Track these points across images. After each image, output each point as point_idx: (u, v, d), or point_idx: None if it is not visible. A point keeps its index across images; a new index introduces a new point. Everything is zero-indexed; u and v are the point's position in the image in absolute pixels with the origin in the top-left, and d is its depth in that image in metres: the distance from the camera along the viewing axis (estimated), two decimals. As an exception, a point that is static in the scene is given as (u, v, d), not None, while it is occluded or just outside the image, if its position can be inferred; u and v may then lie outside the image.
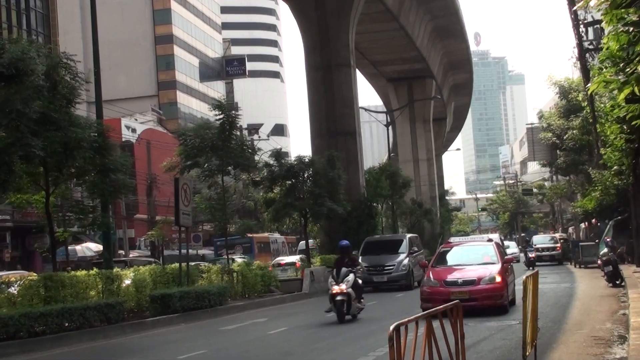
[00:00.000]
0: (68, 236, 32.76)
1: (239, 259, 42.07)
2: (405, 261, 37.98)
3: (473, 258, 24.02)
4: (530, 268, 48.32)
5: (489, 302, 21.49)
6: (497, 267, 22.68)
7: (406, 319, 8.60)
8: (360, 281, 23.14)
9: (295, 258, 46.09)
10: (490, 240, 26.33)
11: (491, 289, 21.71)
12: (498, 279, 21.93)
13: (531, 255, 54.56)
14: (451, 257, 24.65)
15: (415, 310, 19.36)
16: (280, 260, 45.81)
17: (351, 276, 22.31)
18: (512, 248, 67.30)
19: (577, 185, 66.51)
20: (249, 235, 64.27)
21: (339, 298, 21.87)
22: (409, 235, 42.35)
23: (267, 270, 36.41)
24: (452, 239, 27.94)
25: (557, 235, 69.65)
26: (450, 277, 22.44)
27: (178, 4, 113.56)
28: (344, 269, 22.51)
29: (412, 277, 37.70)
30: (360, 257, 36.32)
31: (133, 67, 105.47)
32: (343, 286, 21.97)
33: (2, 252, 52.76)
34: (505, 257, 24.87)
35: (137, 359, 17.76)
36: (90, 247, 55.17)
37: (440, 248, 26.61)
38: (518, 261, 61.16)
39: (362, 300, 23.08)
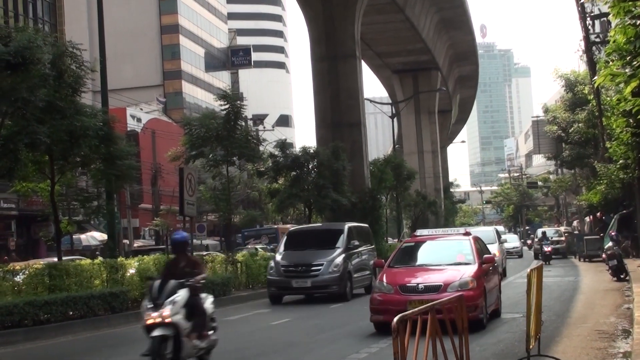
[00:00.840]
0: (72, 227, 32.87)
1: (260, 248, 42.53)
2: (339, 260, 27.78)
3: (443, 256, 19.08)
4: (547, 263, 47.07)
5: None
6: (472, 268, 17.84)
7: (409, 311, 8.60)
8: (208, 301, 13.88)
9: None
10: (467, 234, 20.32)
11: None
12: (471, 284, 17.04)
13: (547, 249, 50.22)
14: (415, 255, 19.64)
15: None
16: None
17: (182, 294, 12.90)
18: (513, 242, 63.71)
19: (582, 179, 66.43)
20: (274, 226, 68.28)
21: (156, 333, 12.64)
22: (349, 225, 30.86)
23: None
24: (419, 232, 21.66)
25: (562, 228, 69.61)
26: (409, 282, 17.46)
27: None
28: (172, 282, 13.01)
29: (348, 282, 28.00)
30: (280, 253, 29.17)
31: (139, 57, 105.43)
32: (166, 311, 12.64)
33: (7, 240, 52.86)
34: (486, 255, 19.15)
35: (140, 347, 17.76)
36: (95, 236, 55.29)
37: (403, 243, 21.72)
38: (520, 256, 60.88)
39: (211, 331, 13.81)
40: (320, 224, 39.00)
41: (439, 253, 19.56)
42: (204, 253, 37.44)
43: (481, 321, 17.09)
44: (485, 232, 39.15)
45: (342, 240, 28.96)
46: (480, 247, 19.90)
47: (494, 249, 32.33)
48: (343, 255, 28.12)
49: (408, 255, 19.52)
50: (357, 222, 35.29)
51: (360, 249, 30.09)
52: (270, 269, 28.60)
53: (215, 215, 64.61)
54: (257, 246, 53.11)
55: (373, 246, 33.33)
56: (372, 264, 28.89)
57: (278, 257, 28.75)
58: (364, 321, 18.23)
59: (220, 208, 44.28)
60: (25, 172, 24.04)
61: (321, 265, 27.60)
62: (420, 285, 17.16)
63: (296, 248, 29.23)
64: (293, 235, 30.82)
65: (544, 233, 54.95)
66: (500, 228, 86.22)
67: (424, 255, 19.55)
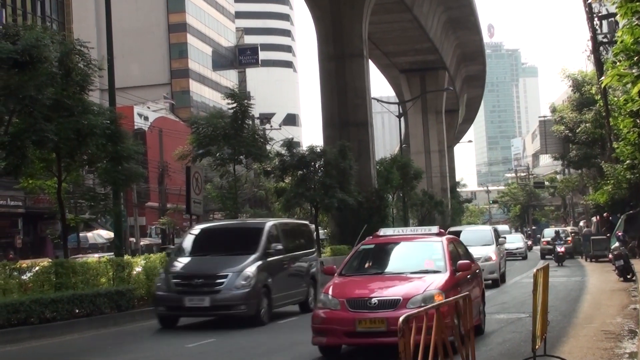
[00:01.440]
0: (79, 223, 32.91)
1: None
2: (250, 270, 20.59)
3: (407, 263, 15.67)
4: (560, 264, 46.05)
5: (418, 337, 10.09)
6: (442, 278, 14.46)
7: (415, 310, 8.60)
8: None
9: None
10: (440, 233, 16.53)
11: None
12: (438, 298, 13.43)
13: (560, 249, 47.86)
14: (374, 260, 16.02)
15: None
16: None
17: None
18: (516, 242, 59.45)
19: (589, 179, 66.31)
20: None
21: None
22: (272, 223, 23.64)
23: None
24: (382, 231, 17.14)
25: (569, 228, 69.45)
26: (361, 295, 14.01)
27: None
28: None
29: (265, 300, 20.86)
30: (174, 260, 21.88)
31: (146, 55, 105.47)
32: None
33: (14, 237, 52.96)
34: (460, 261, 15.38)
35: (147, 345, 17.81)
36: (102, 234, 55.38)
37: (360, 245, 17.12)
38: (524, 258, 57.93)
39: None
40: (236, 221, 30.53)
41: (403, 258, 16.12)
42: None
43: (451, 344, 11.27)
44: (481, 231, 37.44)
45: (260, 244, 21.57)
46: (457, 250, 16.28)
47: (490, 251, 31.80)
48: (258, 263, 20.89)
49: (364, 261, 15.98)
50: (366, 221, 34.79)
51: (290, 254, 22.97)
52: (158, 282, 21.56)
53: (222, 214, 64.61)
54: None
55: (314, 250, 26.29)
56: (312, 272, 24.39)
57: (172, 265, 21.52)
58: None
59: (227, 207, 44.16)
60: (33, 170, 24.07)
61: (224, 277, 20.35)
62: (373, 299, 13.74)
63: (203, 252, 22.06)
64: (202, 235, 23.40)
65: (557, 232, 54.66)
66: (504, 227, 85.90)
67: (384, 261, 16.07)
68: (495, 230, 37.92)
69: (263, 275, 20.84)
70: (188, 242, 22.77)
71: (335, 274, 15.27)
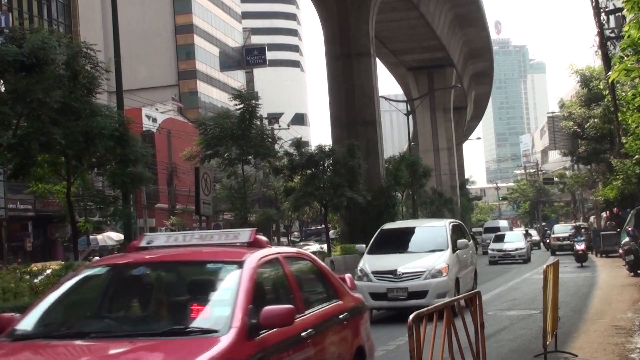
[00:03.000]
0: (89, 226, 32.95)
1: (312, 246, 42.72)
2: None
3: None
4: (581, 265, 40.38)
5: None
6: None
7: (425, 309, 8.60)
8: None
9: (315, 247, 46.37)
10: (256, 243, 8.39)
11: None
12: None
13: (580, 247, 41.30)
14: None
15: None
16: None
17: None
18: (516, 241, 51.61)
19: (598, 174, 66.24)
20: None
21: None
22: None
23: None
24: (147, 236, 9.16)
25: (578, 224, 69.41)
26: None
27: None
28: None
29: None
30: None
31: (153, 57, 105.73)
32: None
33: (24, 241, 53.11)
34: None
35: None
36: (112, 237, 55.47)
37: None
38: (526, 261, 49.23)
39: None
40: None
41: None
42: None
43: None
44: (430, 230, 23.76)
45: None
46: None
47: (439, 261, 20.28)
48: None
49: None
50: (376, 220, 35.10)
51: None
52: None
53: (231, 214, 64.75)
54: (310, 244, 52.51)
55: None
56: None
57: None
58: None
59: (236, 207, 44.30)
60: (41, 173, 24.10)
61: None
62: None
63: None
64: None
65: (577, 228, 53.30)
66: (504, 223, 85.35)
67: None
68: (461, 228, 24.11)
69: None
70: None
71: None
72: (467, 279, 21.88)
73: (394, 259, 20.53)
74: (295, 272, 8.54)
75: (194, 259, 8.33)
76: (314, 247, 47.72)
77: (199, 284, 7.88)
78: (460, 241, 21.55)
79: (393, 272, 19.73)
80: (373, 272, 19.89)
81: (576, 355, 12.71)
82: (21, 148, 21.28)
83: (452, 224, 22.78)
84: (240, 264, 7.61)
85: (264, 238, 8.45)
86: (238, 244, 8.35)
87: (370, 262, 20.52)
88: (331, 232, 50.90)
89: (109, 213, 27.68)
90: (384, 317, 19.07)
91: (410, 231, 23.52)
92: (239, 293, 7.18)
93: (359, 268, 20.44)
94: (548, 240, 66.95)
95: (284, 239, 74.86)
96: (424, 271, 19.65)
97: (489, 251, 52.05)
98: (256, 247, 8.21)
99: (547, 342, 11.83)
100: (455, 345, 9.21)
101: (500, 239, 53.15)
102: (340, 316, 8.88)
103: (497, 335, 15.76)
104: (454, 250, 20.93)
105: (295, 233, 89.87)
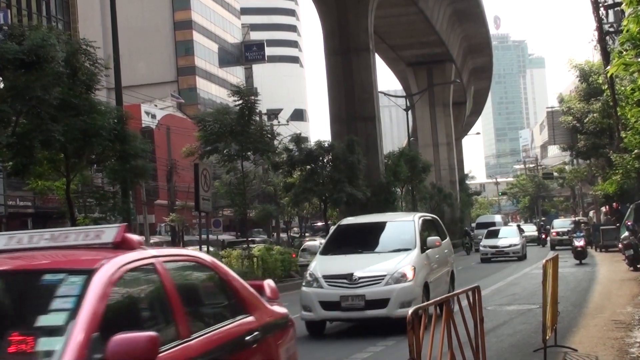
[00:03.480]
0: (89, 223, 32.87)
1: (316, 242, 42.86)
2: None
3: None
4: (580, 262, 37.82)
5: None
6: None
7: (424, 303, 8.61)
8: None
9: (317, 243, 46.30)
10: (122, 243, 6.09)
11: None
12: None
13: (579, 243, 38.30)
14: None
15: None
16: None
17: None
18: (511, 237, 49.15)
19: (597, 169, 66.24)
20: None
21: None
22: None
23: (287, 255, 36.53)
24: None
25: (578, 219, 69.39)
26: None
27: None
28: None
29: None
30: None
31: (152, 53, 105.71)
32: None
33: (23, 238, 53.05)
34: None
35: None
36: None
37: None
38: (521, 258, 47.06)
39: None
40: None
41: None
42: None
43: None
44: (395, 226, 19.97)
45: None
46: None
47: (403, 263, 17.09)
48: None
49: None
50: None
51: None
52: None
53: (231, 210, 64.76)
54: (316, 239, 52.56)
55: None
56: None
57: None
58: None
59: (235, 203, 44.36)
60: (41, 170, 24.11)
61: None
62: None
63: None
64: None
65: (576, 223, 51.56)
66: (498, 218, 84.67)
67: None
68: (431, 221, 20.80)
69: None
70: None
71: None
72: (440, 283, 18.48)
73: (350, 261, 17.37)
74: (181, 282, 6.38)
75: (24, 269, 5.78)
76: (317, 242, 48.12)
77: (26, 304, 5.42)
78: (431, 239, 18.19)
79: (348, 277, 16.53)
80: (324, 277, 16.80)
81: (576, 350, 12.72)
82: (21, 147, 21.30)
83: (422, 218, 19.32)
84: (89, 274, 5.31)
85: (135, 237, 6.29)
86: (99, 245, 6.06)
87: (322, 265, 17.43)
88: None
89: (107, 208, 27.72)
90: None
91: (372, 227, 19.80)
92: (79, 317, 4.95)
93: (308, 272, 17.47)
94: (544, 235, 67.35)
95: (283, 235, 74.77)
96: (385, 275, 16.47)
97: (481, 248, 49.30)
98: (124, 248, 6.00)
99: (547, 337, 11.84)
100: (455, 340, 9.22)
101: (493, 234, 50.52)
102: (248, 338, 6.68)
103: (496, 330, 15.77)
104: (422, 250, 17.68)
105: (295, 229, 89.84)
